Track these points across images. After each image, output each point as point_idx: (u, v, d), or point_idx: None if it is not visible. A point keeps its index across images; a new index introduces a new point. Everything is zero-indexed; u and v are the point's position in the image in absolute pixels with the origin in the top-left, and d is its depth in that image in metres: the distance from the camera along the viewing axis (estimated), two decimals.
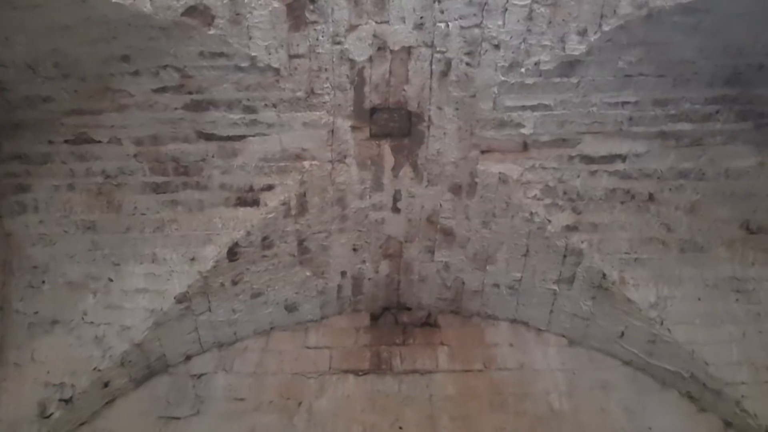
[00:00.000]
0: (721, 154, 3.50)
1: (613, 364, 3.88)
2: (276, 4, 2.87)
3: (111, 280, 3.64)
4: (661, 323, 3.57)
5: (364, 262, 4.03)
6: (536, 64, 3.13)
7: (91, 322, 3.58)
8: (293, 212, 3.64)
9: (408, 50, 3.09)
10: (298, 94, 3.22)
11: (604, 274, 3.67)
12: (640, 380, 3.78)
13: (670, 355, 3.63)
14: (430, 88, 3.26)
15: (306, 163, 3.51)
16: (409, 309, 4.27)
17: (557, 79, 3.21)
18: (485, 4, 2.90)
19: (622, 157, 3.53)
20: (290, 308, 4.11)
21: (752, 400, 3.36)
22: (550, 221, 3.66)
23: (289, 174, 3.53)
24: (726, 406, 3.49)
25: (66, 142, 3.42)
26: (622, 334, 3.78)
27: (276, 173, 3.54)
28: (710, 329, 3.53)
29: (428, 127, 3.42)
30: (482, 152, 3.53)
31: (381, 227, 3.88)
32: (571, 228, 3.67)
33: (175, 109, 3.32)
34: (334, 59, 3.10)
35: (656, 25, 2.88)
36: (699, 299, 3.59)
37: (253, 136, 3.40)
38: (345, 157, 3.51)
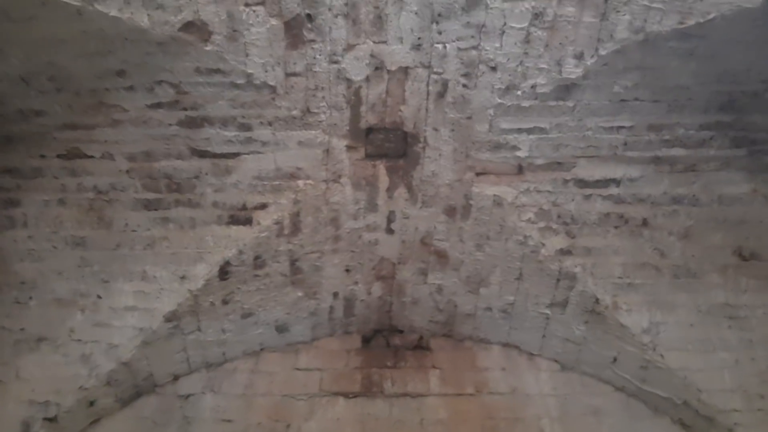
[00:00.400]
0: (714, 180, 3.51)
1: (605, 390, 3.84)
2: (274, 22, 2.87)
3: (100, 298, 3.58)
4: (654, 349, 3.54)
5: (356, 283, 4.00)
6: (533, 87, 3.14)
7: (79, 340, 3.52)
8: (286, 232, 3.61)
9: (405, 71, 3.10)
10: (294, 112, 3.22)
11: (597, 299, 3.66)
12: (633, 406, 3.75)
13: (662, 382, 3.60)
14: (427, 109, 3.26)
15: (300, 182, 3.49)
16: (401, 332, 4.23)
17: (553, 103, 3.22)
18: (483, 26, 2.91)
19: (617, 182, 3.53)
20: (281, 329, 4.07)
21: (745, 428, 3.33)
22: (543, 245, 3.65)
23: (282, 193, 3.51)
24: None
25: (58, 156, 3.40)
26: (615, 359, 3.76)
27: (270, 192, 3.51)
28: (703, 356, 3.51)
29: (424, 148, 3.42)
30: (477, 174, 3.53)
31: (374, 248, 3.85)
32: (565, 252, 3.66)
33: (170, 125, 3.30)
34: (330, 78, 3.09)
35: (652, 50, 2.90)
36: (692, 325, 3.58)
37: (248, 153, 3.38)
38: (340, 176, 3.50)
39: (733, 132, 3.36)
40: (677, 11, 2.71)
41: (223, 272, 3.61)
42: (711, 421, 3.45)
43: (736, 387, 3.43)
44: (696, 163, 3.47)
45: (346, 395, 3.87)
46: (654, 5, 2.72)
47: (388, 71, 3.10)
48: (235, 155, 3.38)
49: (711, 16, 2.67)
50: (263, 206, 3.54)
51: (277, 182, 3.47)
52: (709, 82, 3.12)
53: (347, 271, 3.92)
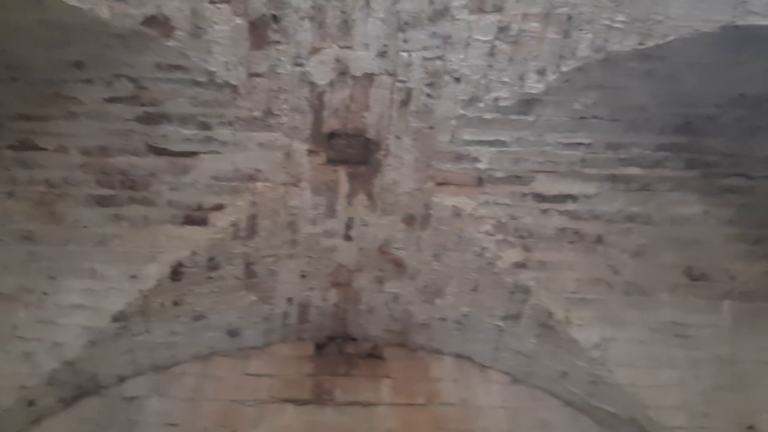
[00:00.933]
0: (668, 200, 3.58)
1: (554, 404, 3.88)
2: (239, 21, 2.84)
3: (46, 294, 3.47)
4: (603, 364, 3.59)
5: (312, 289, 3.96)
6: (495, 99, 3.16)
7: (21, 337, 3.40)
8: (242, 234, 3.56)
9: (370, 77, 3.09)
10: (255, 113, 3.18)
11: (550, 313, 3.69)
12: (581, 421, 3.79)
13: (610, 397, 3.65)
14: (390, 117, 3.26)
15: (259, 185, 3.44)
16: (355, 340, 4.21)
17: (514, 117, 3.24)
18: (448, 37, 2.92)
19: (574, 198, 3.57)
20: (233, 333, 4.00)
21: None
22: (500, 257, 3.67)
23: (240, 194, 3.46)
24: None
25: (9, 147, 3.29)
26: (565, 373, 3.79)
27: (227, 193, 3.46)
28: (651, 372, 3.56)
29: (385, 155, 3.41)
30: (438, 184, 3.53)
31: (332, 255, 3.82)
32: (520, 265, 3.68)
33: (127, 120, 3.23)
34: (294, 81, 3.07)
35: (612, 69, 2.95)
36: (641, 342, 3.63)
37: (206, 153, 3.32)
38: (299, 180, 3.47)
39: (688, 154, 3.43)
40: (637, 32, 2.76)
41: (176, 273, 3.54)
42: None
43: (681, 404, 3.49)
44: (651, 182, 3.53)
45: (295, 402, 3.83)
46: (615, 25, 2.77)
47: (353, 77, 3.08)
48: (193, 154, 3.33)
49: (670, 38, 2.73)
50: (219, 207, 3.48)
51: (234, 183, 3.42)
52: (667, 103, 3.18)
53: (303, 276, 3.89)
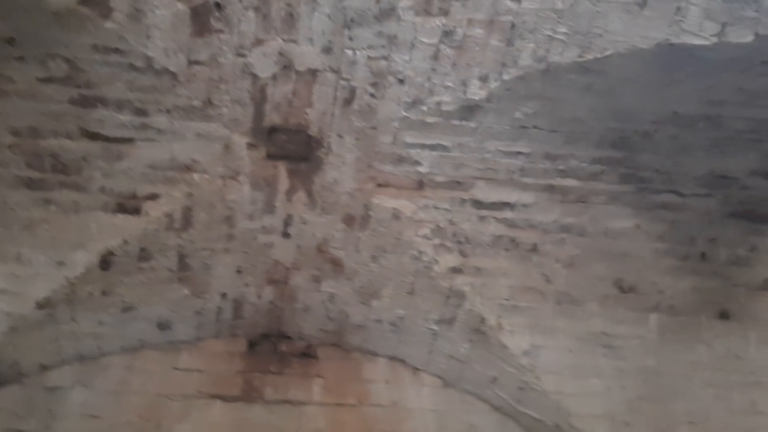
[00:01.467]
0: (602, 213, 3.65)
1: (483, 409, 3.92)
2: (180, 6, 2.78)
3: None
4: (532, 371, 3.64)
5: (247, 285, 3.91)
6: (438, 104, 3.17)
7: None
8: (176, 226, 3.49)
9: (314, 73, 3.07)
10: (195, 102, 3.11)
11: (483, 319, 3.72)
12: (508, 426, 3.85)
13: (537, 404, 3.70)
14: (333, 115, 3.24)
15: (195, 176, 3.38)
16: (289, 338, 4.17)
17: (456, 122, 3.26)
18: (394, 37, 2.92)
19: (511, 206, 3.61)
20: (163, 326, 3.92)
21: None
22: (437, 261, 3.69)
23: (176, 185, 3.39)
24: None
25: None
26: (495, 379, 3.83)
27: (162, 183, 3.38)
28: (577, 381, 3.63)
29: (327, 153, 3.39)
30: (378, 186, 3.53)
31: (269, 251, 3.78)
32: (457, 270, 3.71)
33: (60, 102, 3.12)
34: (236, 72, 3.02)
35: (553, 80, 3.00)
36: (569, 351, 3.70)
37: (142, 140, 3.24)
38: (238, 174, 3.41)
39: (623, 168, 3.51)
40: (578, 44, 2.81)
41: (105, 262, 3.45)
42: None
43: (605, 413, 3.57)
44: (586, 195, 3.59)
45: (224, 399, 3.78)
46: (557, 36, 2.81)
47: (296, 71, 3.05)
48: (129, 140, 3.24)
49: (608, 52, 2.79)
50: (154, 197, 3.40)
51: (170, 173, 3.34)
52: (604, 117, 3.25)
53: (238, 272, 3.83)
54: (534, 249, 3.72)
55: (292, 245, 3.75)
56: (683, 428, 3.54)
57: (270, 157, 3.38)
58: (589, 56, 2.83)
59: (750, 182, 3.50)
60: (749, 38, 2.62)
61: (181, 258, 3.64)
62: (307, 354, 4.09)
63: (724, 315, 3.81)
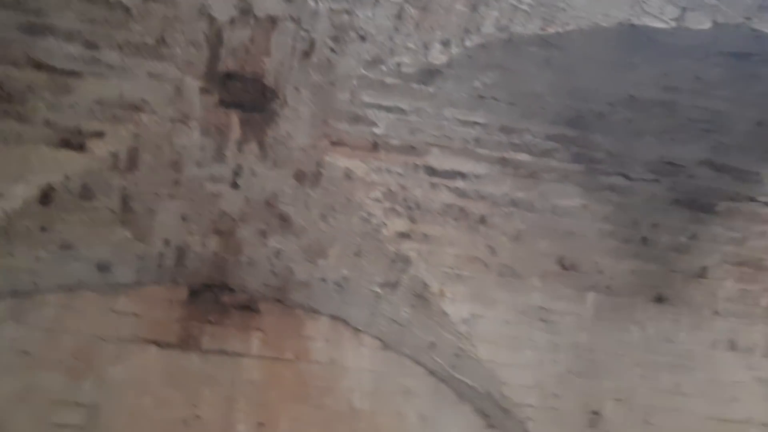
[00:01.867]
0: (551, 190, 3.68)
1: (419, 372, 3.98)
2: None
3: None
4: (469, 339, 3.70)
5: (191, 234, 3.84)
6: (398, 65, 3.13)
7: None
8: (121, 166, 3.40)
9: (273, 20, 2.98)
10: (148, 40, 3.00)
11: (426, 285, 3.75)
12: (441, 391, 3.91)
13: (471, 371, 3.77)
14: (290, 66, 3.17)
15: (144, 116, 3.28)
16: (231, 290, 4.13)
17: (415, 85, 3.23)
18: None
19: (463, 176, 3.61)
20: (102, 268, 3.84)
21: (535, 423, 3.57)
22: (385, 225, 3.68)
23: (123, 124, 3.28)
24: (512, 425, 3.69)
25: None
26: (433, 344, 3.88)
27: (109, 120, 3.27)
28: (512, 352, 3.71)
29: (282, 106, 3.33)
30: (332, 144, 3.48)
31: (216, 201, 3.71)
32: (404, 235, 3.71)
33: (8, 27, 2.98)
34: (192, 11, 2.91)
35: (514, 51, 2.98)
36: (507, 322, 3.76)
37: (91, 75, 3.11)
38: (188, 118, 3.33)
39: (576, 147, 3.53)
40: (541, 17, 2.80)
41: (45, 197, 3.34)
42: (507, 413, 3.67)
43: (535, 384, 3.66)
44: (538, 171, 3.61)
45: (159, 345, 3.75)
46: (521, 6, 2.79)
47: (255, 17, 2.96)
48: (77, 74, 3.11)
49: (570, 27, 2.78)
50: (100, 134, 3.29)
51: (118, 111, 3.23)
52: (561, 94, 3.26)
53: (183, 219, 3.76)
54: (482, 220, 3.74)
55: (240, 197, 3.70)
56: (609, 404, 3.65)
57: (223, 104, 3.30)
58: (551, 30, 2.82)
59: (697, 171, 3.56)
60: (707, 25, 2.64)
61: (125, 200, 3.56)
62: (249, 307, 4.07)
63: (659, 299, 3.91)
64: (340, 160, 3.53)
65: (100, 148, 3.31)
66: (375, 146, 3.51)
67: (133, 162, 3.41)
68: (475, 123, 3.42)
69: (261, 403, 3.64)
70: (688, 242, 3.79)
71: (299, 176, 3.61)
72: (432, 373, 3.98)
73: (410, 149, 3.52)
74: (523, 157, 3.56)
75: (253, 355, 3.84)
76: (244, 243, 3.92)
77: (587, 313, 3.85)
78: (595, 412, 3.65)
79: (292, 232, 3.85)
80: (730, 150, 3.45)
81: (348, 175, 3.56)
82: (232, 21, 2.97)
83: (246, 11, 2.94)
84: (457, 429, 3.78)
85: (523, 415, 3.60)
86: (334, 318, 4.16)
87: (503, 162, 3.57)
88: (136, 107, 3.25)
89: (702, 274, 3.88)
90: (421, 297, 3.80)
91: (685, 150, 3.49)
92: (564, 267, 3.82)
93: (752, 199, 3.63)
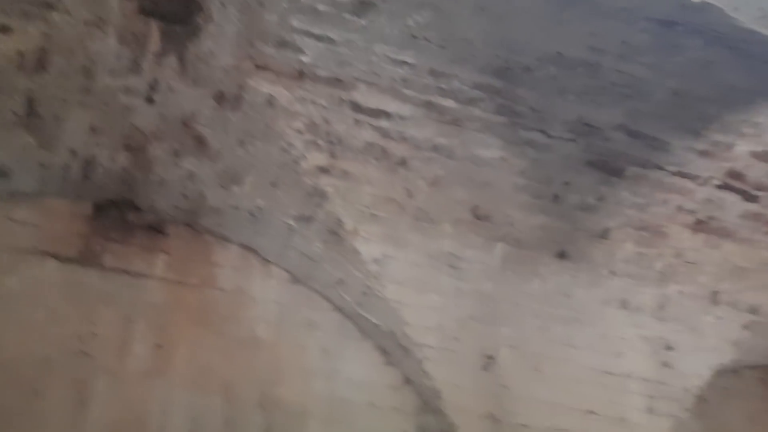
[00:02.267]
0: (473, 139, 3.70)
1: (325, 307, 4.00)
2: None
3: None
4: (378, 278, 3.74)
5: (100, 146, 3.67)
6: None
7: None
8: (28, 66, 3.19)
9: None
10: None
11: (341, 222, 3.74)
12: (345, 327, 3.95)
13: (377, 310, 3.82)
14: None
15: (56, 16, 3.06)
16: (138, 209, 3.99)
17: (348, 16, 3.15)
18: None
19: (388, 115, 3.58)
20: (2, 173, 3.63)
21: (432, 362, 3.68)
22: (305, 157, 3.63)
23: (32, 21, 3.06)
24: (410, 363, 3.79)
25: None
26: (342, 281, 3.90)
27: (17, 16, 3.04)
28: (418, 294, 3.77)
29: (207, 21, 3.18)
30: (257, 67, 3.36)
31: (128, 114, 3.54)
32: (323, 170, 3.67)
33: None
34: None
35: None
36: (417, 265, 3.81)
37: None
38: (104, 23, 3.13)
39: (500, 99, 3.55)
40: None
41: None
42: (406, 352, 3.76)
43: (437, 327, 3.75)
44: (461, 119, 3.62)
45: (58, 258, 3.59)
46: None
47: None
48: None
49: None
50: (5, 29, 3.06)
51: (27, 7, 3.00)
52: (492, 43, 3.25)
53: (93, 131, 3.58)
54: (402, 163, 3.74)
55: (155, 113, 3.55)
56: (504, 350, 3.79)
57: (143, 11, 3.12)
58: None
59: (612, 135, 3.65)
60: None
61: (30, 103, 3.35)
62: (156, 228, 3.95)
63: (562, 255, 4.04)
64: (263, 86, 3.42)
65: (6, 44, 3.09)
66: (301, 75, 3.42)
67: (41, 63, 3.20)
68: (405, 63, 3.38)
69: (160, 326, 3.58)
70: (595, 203, 3.91)
71: (219, 98, 3.48)
72: (338, 309, 4.01)
73: (337, 82, 3.45)
74: (448, 103, 3.55)
75: (157, 277, 3.75)
76: (156, 162, 3.78)
77: (494, 262, 3.95)
78: (490, 357, 3.78)
79: (207, 156, 3.74)
80: (645, 117, 3.56)
81: (270, 102, 3.46)
82: None
83: None
84: (357, 364, 3.84)
85: (421, 355, 3.69)
86: (245, 247, 4.11)
87: (428, 106, 3.56)
88: (48, 5, 3.03)
89: (604, 234, 4.02)
90: (335, 233, 3.80)
91: (604, 113, 3.57)
92: (477, 216, 3.89)
93: (660, 168, 3.75)
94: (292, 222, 3.90)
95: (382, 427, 3.69)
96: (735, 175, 3.78)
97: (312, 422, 3.60)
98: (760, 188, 3.82)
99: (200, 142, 3.68)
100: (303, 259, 4.02)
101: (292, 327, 3.87)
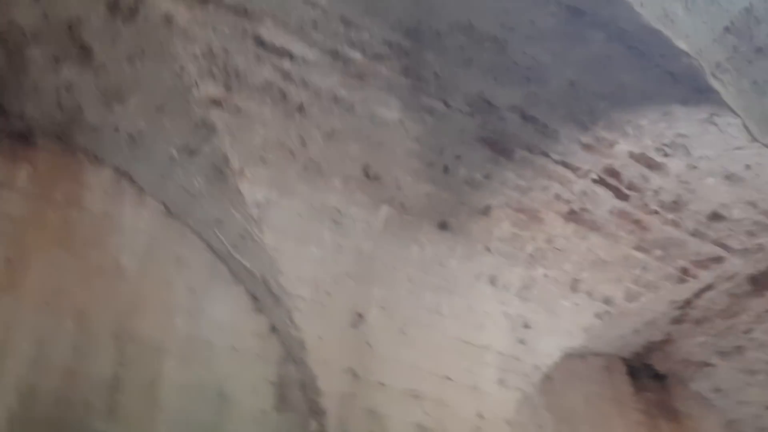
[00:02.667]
0: (374, 97, 3.66)
1: (198, 246, 3.85)
2: None
3: None
4: (258, 223, 3.64)
5: None
6: None
7: None
8: None
9: None
10: None
11: (227, 160, 3.59)
12: (217, 268, 3.82)
13: (253, 255, 3.73)
14: None
15: None
16: (6, 114, 3.65)
17: None
18: None
19: (292, 57, 3.45)
20: None
21: (301, 313, 3.65)
22: (198, 86, 3.44)
23: None
24: (279, 312, 3.74)
25: None
26: (220, 221, 3.77)
27: None
28: (297, 245, 3.72)
29: None
30: None
31: (7, 7, 3.21)
32: (217, 102, 3.50)
33: None
34: None
35: None
36: (300, 215, 3.75)
37: None
38: None
39: (407, 61, 3.52)
40: None
41: None
42: (277, 300, 3.70)
43: (311, 279, 3.72)
44: (366, 74, 3.57)
45: None
46: None
47: None
48: None
49: None
50: None
51: None
52: (408, 0, 3.21)
53: None
54: (300, 109, 3.64)
55: (37, 12, 3.23)
56: (374, 310, 3.83)
57: None
58: None
59: (507, 115, 3.73)
60: None
61: None
62: (23, 136, 3.63)
63: (443, 225, 4.12)
64: (162, 1, 3.20)
65: None
66: None
67: None
68: (317, 5, 3.27)
69: (15, 240, 3.29)
70: (481, 180, 4.00)
71: (112, 6, 3.21)
72: (212, 249, 3.87)
73: (243, 12, 3.28)
74: (355, 55, 3.48)
75: (17, 188, 3.45)
76: (32, 64, 3.46)
77: (377, 224, 3.96)
78: (360, 315, 3.81)
79: (91, 68, 3.46)
80: (540, 103, 3.66)
81: (168, 19, 3.24)
82: None
83: None
84: (224, 306, 3.72)
85: (291, 305, 3.64)
86: (119, 172, 3.86)
87: (335, 54, 3.48)
88: None
89: (485, 212, 4.13)
90: (219, 171, 3.64)
91: (503, 92, 3.63)
92: (367, 175, 3.87)
93: (545, 155, 3.89)
94: (174, 152, 3.71)
95: (240, 372, 3.61)
96: (611, 172, 3.99)
97: (168, 359, 3.45)
98: (631, 188, 4.05)
99: (85, 52, 3.39)
100: (181, 192, 3.83)
101: (159, 261, 3.69)
